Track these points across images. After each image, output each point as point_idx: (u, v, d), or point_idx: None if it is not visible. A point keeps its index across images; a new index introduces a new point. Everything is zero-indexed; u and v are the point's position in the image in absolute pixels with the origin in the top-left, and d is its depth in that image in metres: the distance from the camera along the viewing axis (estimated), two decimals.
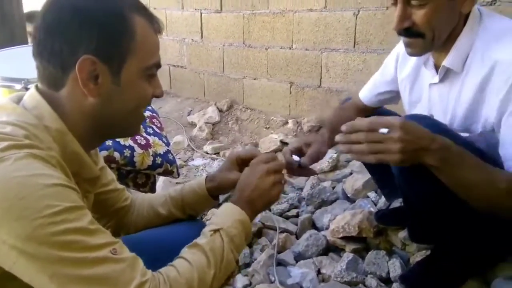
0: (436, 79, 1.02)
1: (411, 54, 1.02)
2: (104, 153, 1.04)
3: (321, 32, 2.37)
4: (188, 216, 0.95)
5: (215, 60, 3.03)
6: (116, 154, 1.07)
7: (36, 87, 0.67)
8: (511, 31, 0.88)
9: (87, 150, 0.71)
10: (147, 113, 1.21)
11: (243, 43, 2.79)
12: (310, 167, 1.07)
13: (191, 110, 3.14)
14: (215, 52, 3.01)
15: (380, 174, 1.45)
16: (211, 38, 3.00)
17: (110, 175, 0.91)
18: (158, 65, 0.70)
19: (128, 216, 0.93)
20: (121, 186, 0.93)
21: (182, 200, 0.93)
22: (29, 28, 2.13)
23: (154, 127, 1.21)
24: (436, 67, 1.02)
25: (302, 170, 1.05)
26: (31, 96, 0.66)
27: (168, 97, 3.42)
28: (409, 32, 0.94)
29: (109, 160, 1.05)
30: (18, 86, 1.07)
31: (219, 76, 3.04)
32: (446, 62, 0.96)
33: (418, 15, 0.90)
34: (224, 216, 0.75)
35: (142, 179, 1.19)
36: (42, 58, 0.64)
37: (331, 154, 2.03)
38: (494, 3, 1.79)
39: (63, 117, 0.64)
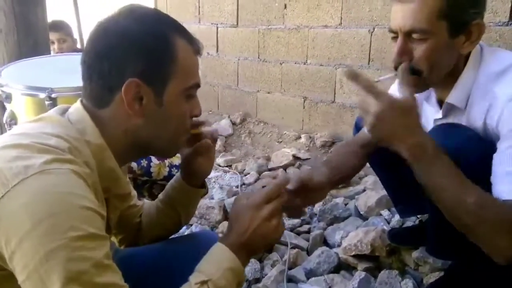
0: (439, 114, 1.03)
1: None
2: None
3: (335, 48, 2.39)
4: (184, 215, 0.94)
5: (229, 73, 3.06)
6: (134, 164, 1.08)
7: (82, 102, 0.70)
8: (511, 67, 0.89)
9: (121, 165, 0.72)
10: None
11: (258, 57, 2.82)
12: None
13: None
14: (230, 66, 3.04)
15: (395, 189, 1.44)
16: (227, 52, 3.04)
17: (133, 191, 0.93)
18: (197, 85, 0.72)
19: (139, 231, 0.95)
20: (140, 202, 0.95)
21: (168, 198, 0.93)
22: (52, 36, 2.22)
23: None
24: (439, 103, 1.03)
25: (295, 211, 1.00)
26: (77, 110, 0.69)
27: None
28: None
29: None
30: (42, 95, 1.10)
31: (233, 90, 3.07)
32: (450, 98, 0.97)
33: (418, 50, 0.91)
34: (214, 263, 0.69)
35: (158, 189, 1.19)
36: (91, 79, 0.67)
37: None
38: (511, 24, 1.78)
39: (104, 133, 0.67)
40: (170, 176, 1.17)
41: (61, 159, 0.57)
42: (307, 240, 1.59)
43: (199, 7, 3.15)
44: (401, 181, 1.38)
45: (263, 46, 2.78)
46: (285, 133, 2.71)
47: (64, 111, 0.70)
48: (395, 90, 1.15)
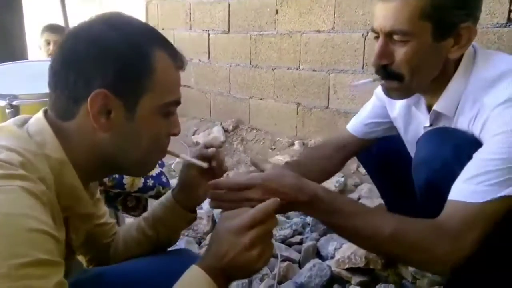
0: (428, 122, 0.96)
1: (391, 97, 0.96)
2: None
3: (329, 53, 2.33)
4: (166, 240, 0.87)
5: (221, 80, 3.01)
6: None
7: (45, 112, 0.64)
8: (505, 75, 0.81)
9: (87, 184, 0.66)
10: None
11: (250, 63, 2.77)
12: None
13: (196, 130, 3.10)
14: (221, 72, 2.99)
15: (392, 198, 1.39)
16: (218, 58, 2.99)
17: (103, 209, 0.87)
18: (177, 103, 0.66)
19: (111, 251, 0.88)
20: (112, 221, 0.89)
21: (152, 216, 0.86)
22: (49, 37, 2.27)
23: None
24: (429, 109, 0.96)
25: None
26: (37, 121, 0.62)
27: None
28: (386, 71, 0.88)
29: None
30: (2, 103, 1.03)
31: (225, 96, 3.01)
32: (437, 106, 0.91)
33: (399, 52, 0.85)
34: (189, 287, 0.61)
35: (133, 202, 1.12)
36: (56, 88, 0.62)
37: (338, 178, 1.95)
38: (509, 26, 1.72)
39: (67, 148, 0.61)
40: (145, 187, 1.09)
41: (10, 174, 0.51)
42: (299, 251, 1.52)
43: (190, 14, 3.11)
44: (396, 188, 1.33)
45: (255, 52, 2.72)
46: (278, 140, 2.64)
47: (24, 122, 0.63)
48: (380, 93, 1.08)
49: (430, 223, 0.75)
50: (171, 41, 0.67)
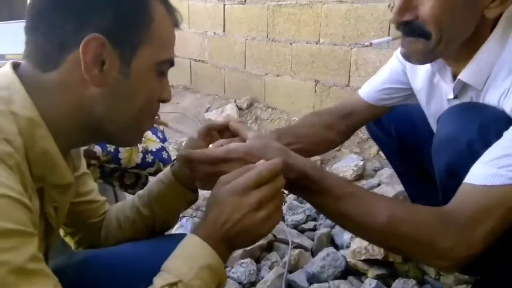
0: (452, 94, 0.82)
1: (409, 60, 0.81)
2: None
3: (351, 25, 2.16)
4: (163, 222, 0.78)
5: (237, 54, 2.87)
6: (97, 149, 0.91)
7: (13, 64, 0.54)
8: None
9: (66, 150, 0.57)
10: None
11: (267, 37, 2.62)
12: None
13: (209, 107, 3.00)
14: (237, 46, 2.85)
15: (415, 185, 1.27)
16: (234, 31, 2.84)
17: (91, 184, 0.77)
18: (171, 62, 0.60)
19: (102, 232, 0.79)
20: (102, 198, 0.79)
21: (148, 194, 0.76)
22: None
23: None
24: (455, 79, 0.81)
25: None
26: (4, 73, 0.53)
27: (188, 92, 3.30)
28: (410, 28, 0.73)
29: (88, 155, 0.89)
30: None
31: (240, 72, 2.88)
32: (463, 75, 0.76)
33: (426, 6, 0.70)
34: (186, 260, 0.54)
35: (131, 179, 1.02)
36: (36, 31, 0.53)
37: (356, 161, 1.82)
38: None
39: (43, 105, 0.52)
40: (144, 163, 0.99)
41: None
42: (312, 239, 1.42)
43: None
44: (419, 172, 1.21)
45: (272, 24, 2.57)
46: (294, 120, 2.51)
47: None
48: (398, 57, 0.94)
49: (434, 210, 0.64)
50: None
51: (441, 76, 0.86)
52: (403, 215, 0.63)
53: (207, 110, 2.97)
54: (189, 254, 0.55)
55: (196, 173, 0.68)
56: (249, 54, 2.79)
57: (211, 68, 3.11)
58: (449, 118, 0.77)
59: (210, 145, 0.75)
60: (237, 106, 2.81)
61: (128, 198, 0.81)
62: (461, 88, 0.80)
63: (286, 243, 1.37)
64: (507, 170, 0.60)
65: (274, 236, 1.42)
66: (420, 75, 0.94)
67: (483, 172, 0.62)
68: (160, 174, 0.77)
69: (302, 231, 1.47)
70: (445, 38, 0.73)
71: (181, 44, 3.36)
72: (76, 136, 0.57)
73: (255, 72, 2.77)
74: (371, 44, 0.81)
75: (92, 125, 0.56)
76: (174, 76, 3.53)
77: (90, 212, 0.77)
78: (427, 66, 0.88)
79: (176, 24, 0.60)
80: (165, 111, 3.02)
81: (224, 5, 2.86)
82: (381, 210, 0.62)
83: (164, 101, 0.61)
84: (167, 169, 0.76)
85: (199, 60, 3.22)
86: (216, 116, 2.79)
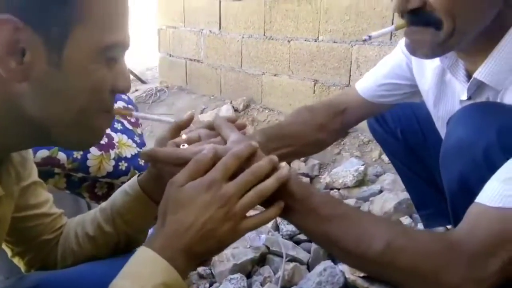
0: (465, 94, 0.71)
1: (415, 54, 0.70)
2: (45, 153, 0.78)
3: (352, 21, 2.05)
4: (129, 239, 0.67)
5: (233, 53, 2.76)
6: (61, 156, 0.80)
7: None
8: None
9: (2, 153, 0.48)
10: (120, 104, 0.94)
11: (264, 34, 2.51)
12: None
13: (204, 108, 2.89)
14: (233, 45, 2.74)
15: (420, 192, 1.17)
16: (230, 29, 2.74)
17: (43, 195, 0.66)
18: (124, 46, 0.49)
19: (58, 250, 0.68)
20: (57, 211, 0.68)
21: (111, 208, 0.65)
22: None
23: (125, 122, 0.93)
24: (469, 77, 0.70)
25: None
26: None
27: (183, 93, 3.20)
28: (417, 16, 0.63)
29: (50, 162, 0.78)
30: None
31: (236, 72, 2.77)
32: (480, 73, 0.65)
33: None
34: (138, 277, 0.46)
35: (103, 189, 0.91)
36: None
37: (357, 166, 1.72)
38: None
39: None
40: (116, 172, 0.88)
41: None
42: (308, 251, 1.31)
43: None
44: (426, 178, 1.12)
45: (270, 21, 2.46)
46: None
47: None
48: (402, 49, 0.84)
49: (439, 237, 0.56)
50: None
51: (452, 74, 0.75)
52: (403, 243, 0.52)
53: (202, 112, 2.86)
54: (141, 271, 0.46)
55: (159, 176, 0.60)
56: (245, 53, 2.68)
57: (207, 68, 3.01)
58: (462, 120, 0.65)
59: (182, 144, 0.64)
60: (233, 107, 2.70)
61: (91, 210, 0.70)
62: (476, 88, 0.69)
63: (280, 255, 1.28)
64: None
65: (268, 248, 1.32)
66: (428, 71, 0.83)
67: (499, 192, 0.52)
68: (125, 185, 0.66)
69: (298, 242, 1.37)
70: (459, 28, 0.62)
71: (176, 43, 3.26)
72: (10, 138, 0.47)
73: (252, 72, 2.66)
74: (370, 37, 0.70)
75: (30, 125, 0.46)
76: (169, 76, 3.43)
77: (43, 227, 0.66)
78: (437, 61, 0.77)
79: None
80: (158, 112, 2.93)
81: (220, 1, 2.75)
82: (377, 236, 0.52)
83: (122, 91, 0.50)
84: (133, 179, 0.65)
85: (194, 60, 3.11)
86: (211, 117, 2.69)
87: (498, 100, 0.66)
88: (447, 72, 0.78)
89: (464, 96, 0.72)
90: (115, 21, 0.47)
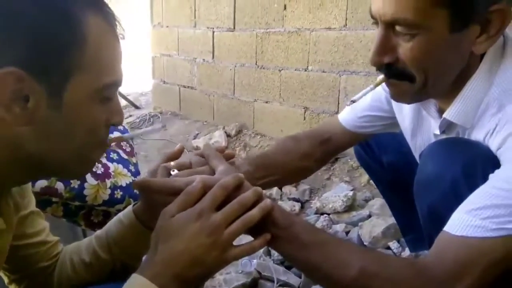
0: (438, 129, 0.77)
1: (397, 101, 0.76)
2: (43, 183, 0.81)
3: (340, 53, 2.14)
4: (124, 266, 0.69)
5: (226, 81, 2.84)
6: (59, 185, 0.83)
7: None
8: None
9: (2, 188, 0.51)
10: (115, 134, 0.98)
11: (256, 63, 2.59)
12: None
13: (197, 134, 2.94)
14: (226, 73, 2.82)
15: (405, 214, 1.20)
16: (223, 58, 2.82)
17: (40, 224, 0.69)
18: (117, 84, 0.52)
19: (54, 277, 0.70)
20: (53, 239, 0.71)
21: (106, 235, 0.68)
22: None
23: (121, 151, 0.97)
24: (441, 114, 0.76)
25: None
26: None
27: (177, 119, 3.24)
28: (391, 70, 0.68)
29: (49, 192, 0.82)
30: None
31: (229, 99, 2.84)
32: (449, 113, 0.70)
33: (404, 48, 0.64)
34: None
35: (99, 217, 0.94)
36: None
37: (346, 191, 1.75)
38: None
39: None
40: (112, 200, 0.92)
41: None
42: (300, 276, 1.32)
43: (195, 10, 2.96)
44: (411, 204, 1.15)
45: (261, 51, 2.55)
46: None
47: None
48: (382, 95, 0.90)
49: (409, 263, 0.61)
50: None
51: (425, 110, 0.81)
52: (376, 269, 0.56)
53: (195, 137, 2.90)
54: None
55: (152, 205, 0.63)
56: (238, 81, 2.75)
57: (200, 95, 3.07)
58: (432, 155, 0.71)
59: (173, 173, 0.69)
60: (225, 132, 2.75)
61: (86, 238, 0.73)
62: (447, 125, 0.75)
63: (272, 280, 1.29)
64: (491, 222, 0.54)
65: (259, 273, 1.33)
66: (406, 106, 0.89)
67: (464, 222, 0.56)
68: (120, 214, 0.70)
69: (289, 267, 1.38)
70: (431, 81, 0.67)
71: (170, 71, 3.33)
72: (10, 175, 0.50)
73: (244, 99, 2.73)
74: (353, 101, 0.76)
75: (30, 163, 0.49)
76: (163, 102, 3.49)
77: (40, 255, 0.68)
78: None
79: (119, 36, 0.52)
80: (152, 138, 2.96)
81: (213, 32, 2.85)
82: (352, 262, 0.56)
83: (115, 124, 0.54)
84: (128, 208, 0.69)
85: (188, 87, 3.18)
86: (203, 142, 2.73)
87: (466, 136, 0.71)
88: (420, 109, 0.84)
89: (437, 131, 0.77)
90: (111, 64, 0.51)
